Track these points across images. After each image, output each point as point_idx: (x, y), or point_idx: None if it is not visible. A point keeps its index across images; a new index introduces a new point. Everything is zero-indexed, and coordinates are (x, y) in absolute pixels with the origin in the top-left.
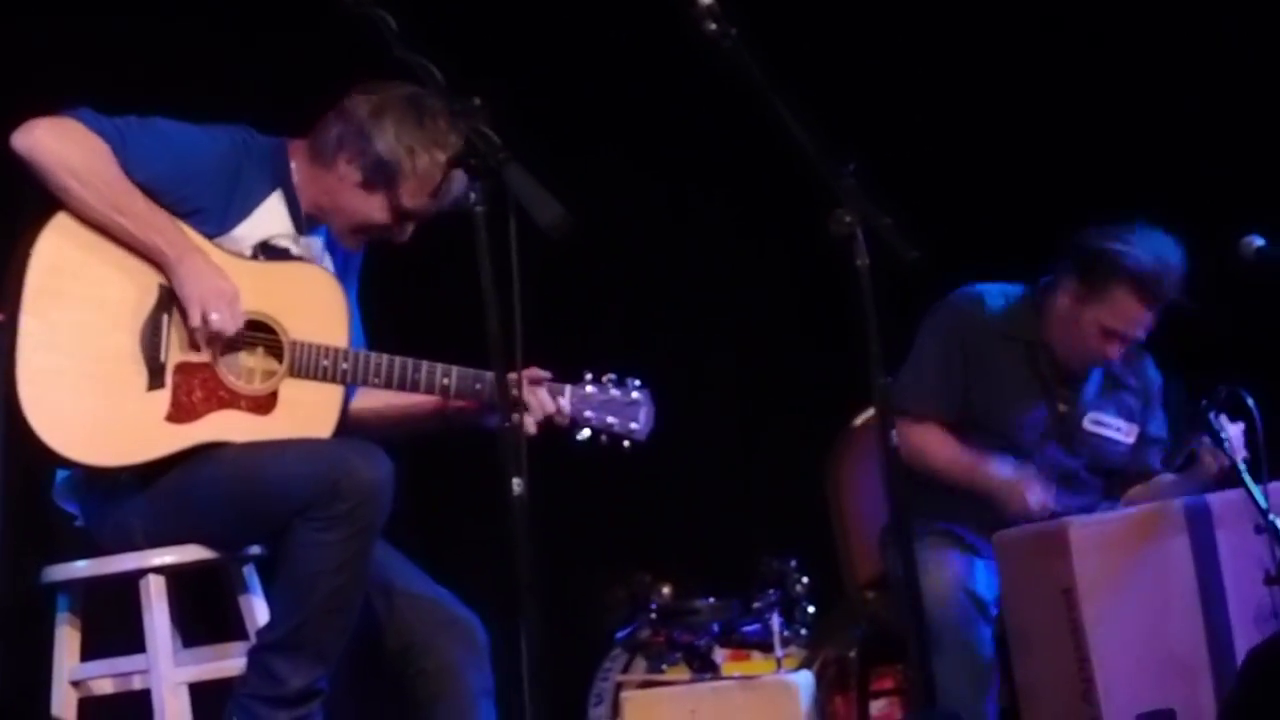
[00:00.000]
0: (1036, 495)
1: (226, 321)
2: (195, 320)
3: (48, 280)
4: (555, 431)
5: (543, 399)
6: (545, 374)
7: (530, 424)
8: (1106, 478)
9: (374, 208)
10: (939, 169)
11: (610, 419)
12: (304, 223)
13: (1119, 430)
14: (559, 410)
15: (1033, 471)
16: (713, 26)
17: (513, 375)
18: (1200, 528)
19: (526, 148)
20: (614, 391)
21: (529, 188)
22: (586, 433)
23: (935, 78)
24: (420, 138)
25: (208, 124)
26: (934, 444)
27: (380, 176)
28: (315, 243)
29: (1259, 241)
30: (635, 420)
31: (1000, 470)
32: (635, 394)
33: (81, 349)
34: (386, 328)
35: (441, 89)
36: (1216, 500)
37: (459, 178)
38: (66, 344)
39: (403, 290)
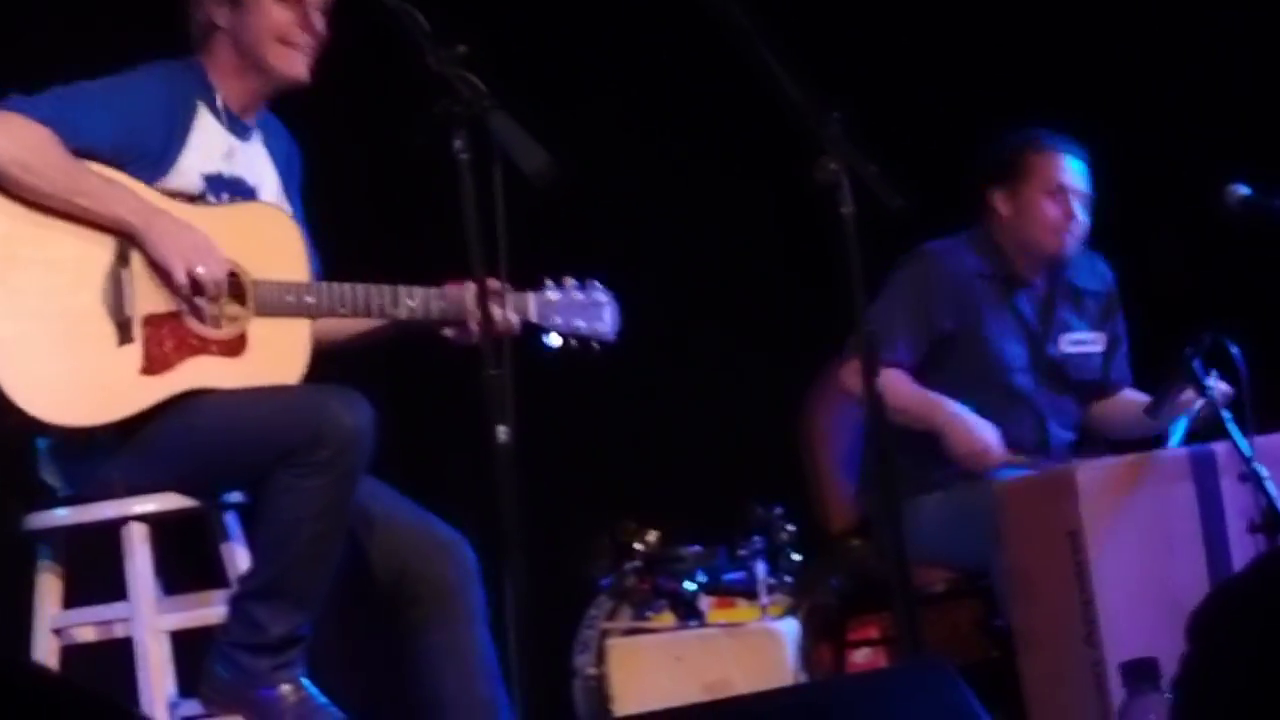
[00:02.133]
0: (985, 439)
1: (214, 270)
2: (181, 278)
3: (2, 248)
4: (518, 339)
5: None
6: (500, 285)
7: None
8: (1083, 394)
9: (257, 12)
10: (925, 115)
11: (578, 322)
12: (240, 127)
13: (1091, 342)
14: (510, 325)
15: (986, 430)
16: None
17: (470, 285)
18: (1205, 475)
19: (510, 95)
20: (577, 294)
21: (514, 135)
22: (556, 339)
23: (924, 23)
24: None
25: (126, 70)
26: (893, 387)
27: None
28: (253, 149)
29: (1244, 190)
30: (601, 321)
31: (956, 409)
32: (598, 295)
33: (46, 312)
34: (374, 275)
35: (426, 36)
36: (1221, 449)
37: None
38: (30, 309)
39: (389, 237)
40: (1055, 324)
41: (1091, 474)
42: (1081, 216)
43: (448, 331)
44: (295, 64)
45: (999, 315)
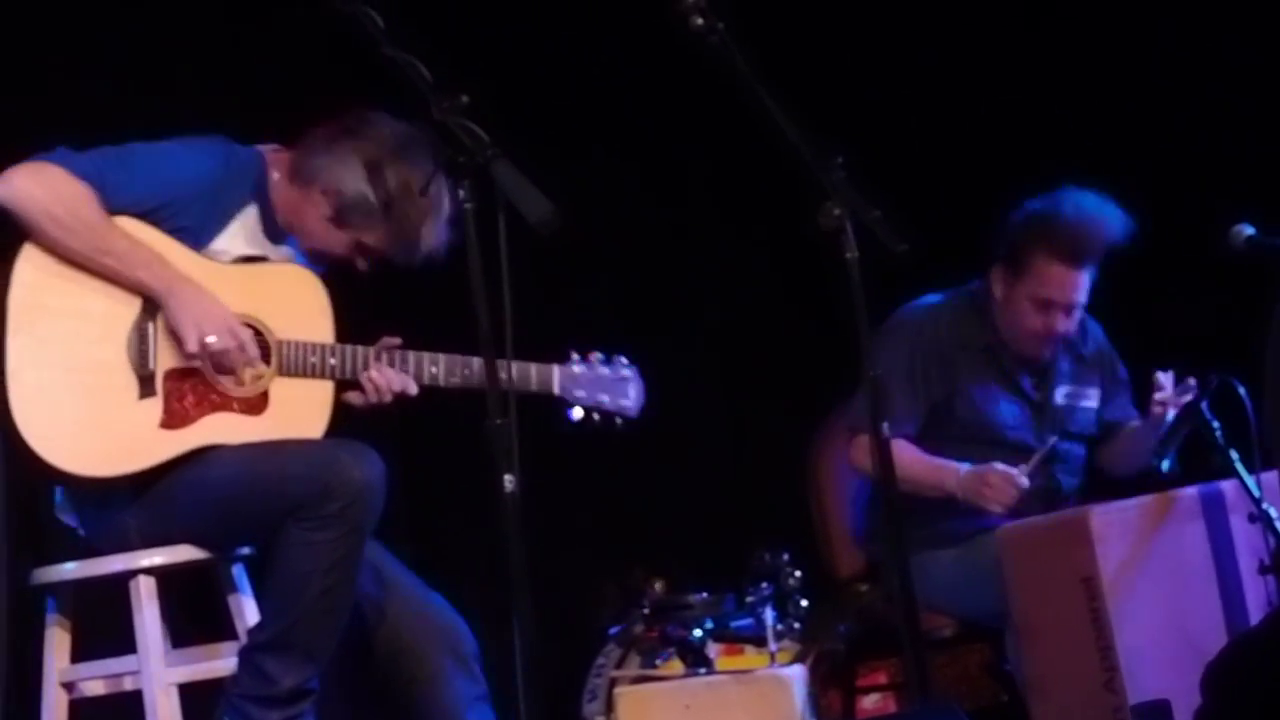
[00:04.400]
0: (1001, 481)
1: (227, 344)
2: (193, 347)
3: (30, 297)
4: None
5: (389, 377)
6: (395, 340)
7: (386, 397)
8: (1088, 445)
9: (336, 242)
10: (927, 161)
11: (602, 397)
12: (278, 234)
13: (1086, 398)
14: (406, 388)
15: (994, 465)
16: (699, 21)
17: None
18: (1215, 514)
19: (514, 144)
20: (602, 369)
21: (517, 184)
22: (579, 412)
23: (925, 65)
24: (399, 192)
25: (186, 137)
26: (899, 459)
27: (350, 218)
28: (286, 252)
29: (1249, 230)
30: (625, 397)
31: (963, 470)
32: (624, 371)
33: (71, 362)
34: (381, 325)
35: (429, 86)
36: (1230, 487)
37: (433, 237)
38: (55, 358)
39: (395, 286)
40: (1054, 378)
41: (1105, 519)
42: (1063, 327)
43: (352, 396)
44: (314, 263)
45: (987, 381)
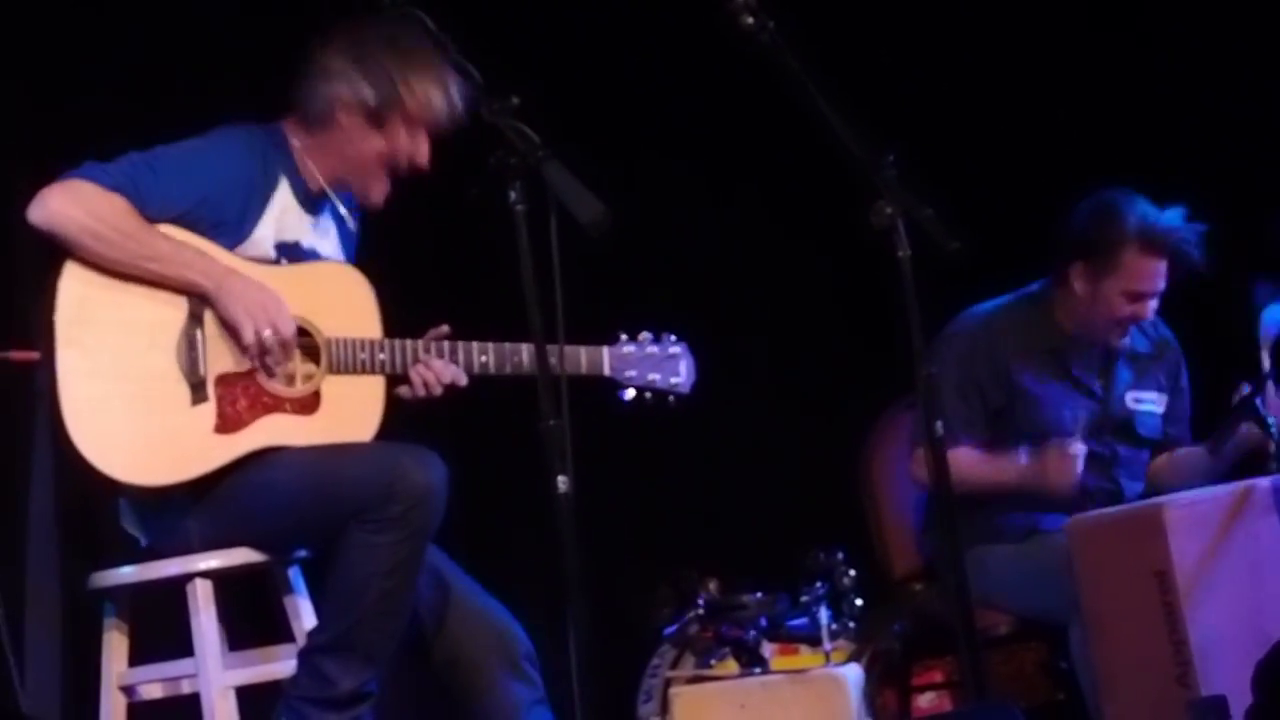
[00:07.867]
0: (1059, 456)
1: (283, 330)
2: (249, 338)
3: (78, 311)
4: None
5: (439, 370)
6: (445, 330)
7: (436, 390)
8: (1151, 449)
9: (388, 149)
10: (979, 159)
11: (653, 375)
12: (315, 204)
13: (1154, 402)
14: (456, 380)
15: (1049, 444)
16: (750, 20)
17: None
18: None
19: (565, 145)
20: (651, 348)
21: (569, 185)
22: (631, 392)
23: (976, 63)
24: (405, 62)
25: (207, 132)
26: (959, 462)
27: (382, 110)
28: (323, 222)
29: None
30: (677, 374)
31: (1019, 461)
32: (673, 348)
33: (122, 372)
34: (429, 317)
35: (480, 88)
36: None
37: (455, 87)
38: (106, 369)
39: (446, 290)
40: (1117, 383)
41: (1179, 512)
42: (1149, 313)
43: (404, 391)
44: (381, 194)
45: (1051, 384)
